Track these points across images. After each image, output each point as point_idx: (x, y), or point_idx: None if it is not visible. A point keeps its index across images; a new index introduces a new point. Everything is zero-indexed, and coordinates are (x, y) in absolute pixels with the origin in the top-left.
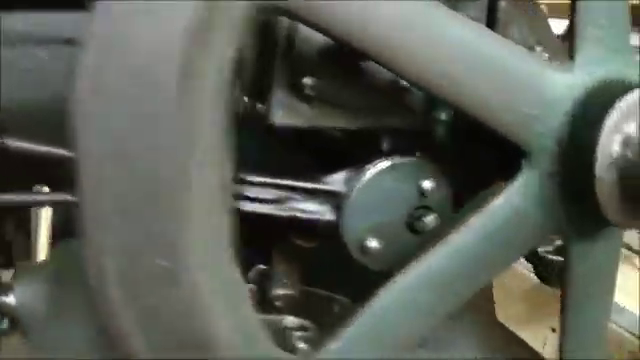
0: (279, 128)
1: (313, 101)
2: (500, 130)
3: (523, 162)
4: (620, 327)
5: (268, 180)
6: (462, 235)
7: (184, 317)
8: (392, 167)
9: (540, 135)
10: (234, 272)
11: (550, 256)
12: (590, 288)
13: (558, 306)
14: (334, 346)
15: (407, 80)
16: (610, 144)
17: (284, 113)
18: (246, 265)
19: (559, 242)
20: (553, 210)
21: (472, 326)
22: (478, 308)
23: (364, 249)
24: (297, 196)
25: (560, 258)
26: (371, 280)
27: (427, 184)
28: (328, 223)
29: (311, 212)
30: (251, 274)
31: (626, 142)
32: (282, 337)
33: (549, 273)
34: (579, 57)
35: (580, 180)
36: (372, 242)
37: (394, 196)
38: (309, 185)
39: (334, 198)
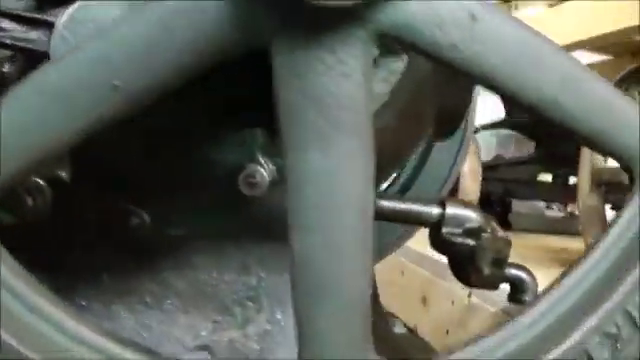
0: None
1: None
2: None
3: None
4: None
5: None
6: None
7: None
8: None
9: None
10: None
11: (458, 239)
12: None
13: None
14: None
15: None
16: None
17: None
18: None
19: (469, 225)
20: None
21: None
22: None
23: None
24: (21, 26)
25: (471, 241)
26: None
27: None
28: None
29: (28, 40)
30: None
31: None
32: None
33: (460, 261)
34: None
35: None
36: None
37: None
38: (28, 14)
39: (51, 29)
